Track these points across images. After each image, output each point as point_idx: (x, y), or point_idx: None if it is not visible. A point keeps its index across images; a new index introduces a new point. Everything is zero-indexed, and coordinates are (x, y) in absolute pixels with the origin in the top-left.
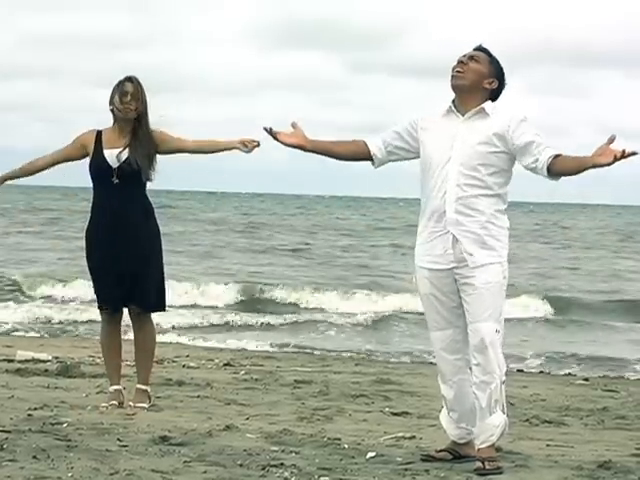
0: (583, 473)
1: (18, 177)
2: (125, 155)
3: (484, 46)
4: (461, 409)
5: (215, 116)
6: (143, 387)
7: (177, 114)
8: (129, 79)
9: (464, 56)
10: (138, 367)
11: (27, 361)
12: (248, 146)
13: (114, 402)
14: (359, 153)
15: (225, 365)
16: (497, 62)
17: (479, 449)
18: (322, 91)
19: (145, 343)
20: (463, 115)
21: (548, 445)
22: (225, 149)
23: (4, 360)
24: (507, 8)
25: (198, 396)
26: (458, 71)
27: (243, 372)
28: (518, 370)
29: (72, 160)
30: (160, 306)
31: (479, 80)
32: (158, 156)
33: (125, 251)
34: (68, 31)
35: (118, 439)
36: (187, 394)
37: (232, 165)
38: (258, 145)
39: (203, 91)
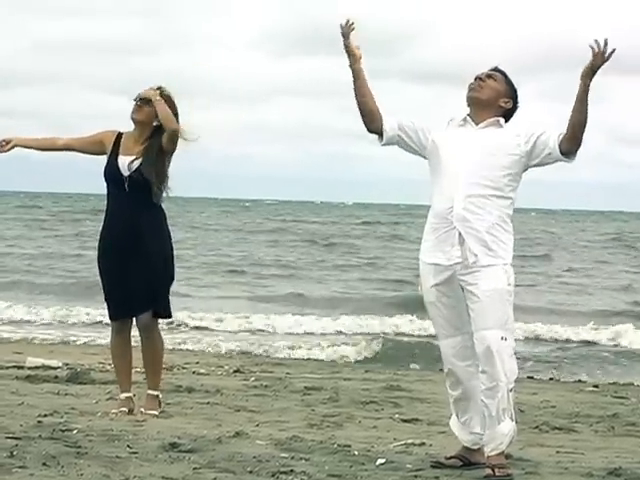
0: None
1: (32, 148)
2: (136, 165)
3: (500, 68)
4: (475, 414)
5: (226, 122)
6: (154, 393)
7: (188, 120)
8: (154, 88)
9: (482, 74)
10: (147, 373)
11: (37, 368)
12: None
13: (124, 409)
14: (374, 117)
15: (235, 372)
16: (512, 84)
17: (488, 457)
18: (335, 97)
19: (153, 349)
20: (477, 125)
21: (558, 452)
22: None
23: (14, 367)
24: (518, 14)
25: (208, 403)
26: (476, 85)
27: (253, 379)
28: (528, 377)
29: (85, 153)
30: (169, 313)
31: (496, 97)
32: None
33: (134, 259)
34: (75, 37)
35: (128, 446)
36: (197, 401)
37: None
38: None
39: (214, 97)
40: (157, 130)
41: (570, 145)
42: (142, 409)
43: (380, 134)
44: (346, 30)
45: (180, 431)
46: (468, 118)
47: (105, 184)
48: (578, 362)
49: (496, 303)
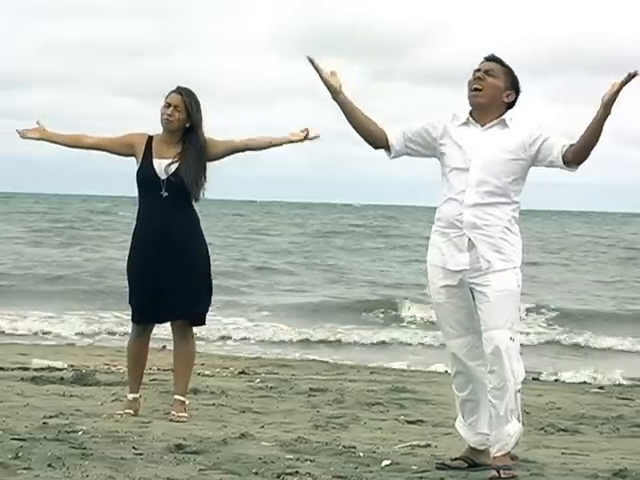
0: None
1: (58, 143)
2: (173, 168)
3: (496, 55)
4: (482, 415)
5: (233, 123)
6: (182, 399)
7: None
8: (178, 90)
9: (479, 70)
10: (176, 378)
11: (42, 369)
12: (298, 137)
13: (129, 411)
14: (375, 136)
15: (240, 373)
16: (511, 71)
17: (494, 457)
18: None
19: (187, 355)
20: (482, 126)
21: (563, 453)
22: (275, 145)
23: (20, 368)
24: (531, 16)
25: (213, 404)
26: (476, 88)
27: (258, 380)
28: (533, 378)
29: (114, 154)
30: (203, 318)
31: (498, 95)
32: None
33: (172, 263)
34: (85, 38)
35: (133, 447)
36: (202, 402)
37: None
38: (308, 136)
39: (221, 98)
40: (189, 131)
41: (577, 158)
42: (174, 412)
43: (387, 148)
44: (314, 66)
45: (185, 432)
46: (471, 119)
47: (137, 188)
48: None
49: (505, 304)
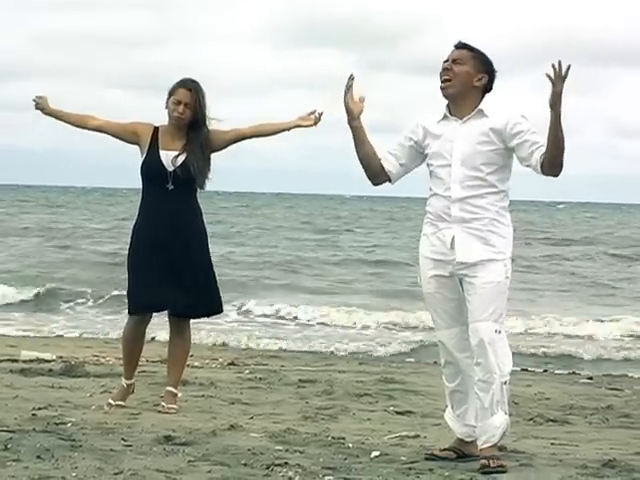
0: (587, 472)
1: (62, 120)
2: (181, 160)
3: (464, 41)
4: (470, 406)
5: (229, 115)
6: (174, 390)
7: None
8: (187, 86)
9: (447, 61)
10: (170, 370)
11: (31, 361)
12: (308, 122)
13: (120, 402)
14: (376, 176)
15: (229, 364)
16: (481, 54)
17: (481, 450)
18: (336, 90)
19: (183, 348)
20: (461, 118)
21: (552, 444)
22: (284, 130)
23: (8, 360)
24: (524, 6)
25: (202, 395)
26: (445, 79)
27: (247, 371)
28: (522, 369)
29: (117, 138)
30: (215, 311)
31: (468, 82)
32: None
33: (175, 254)
34: (82, 30)
35: (122, 439)
36: (191, 394)
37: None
38: (318, 119)
39: (217, 90)
40: (193, 123)
41: (552, 171)
42: (163, 403)
43: (387, 179)
44: (348, 86)
45: (175, 424)
46: (448, 113)
47: (142, 179)
48: None
49: (493, 296)
